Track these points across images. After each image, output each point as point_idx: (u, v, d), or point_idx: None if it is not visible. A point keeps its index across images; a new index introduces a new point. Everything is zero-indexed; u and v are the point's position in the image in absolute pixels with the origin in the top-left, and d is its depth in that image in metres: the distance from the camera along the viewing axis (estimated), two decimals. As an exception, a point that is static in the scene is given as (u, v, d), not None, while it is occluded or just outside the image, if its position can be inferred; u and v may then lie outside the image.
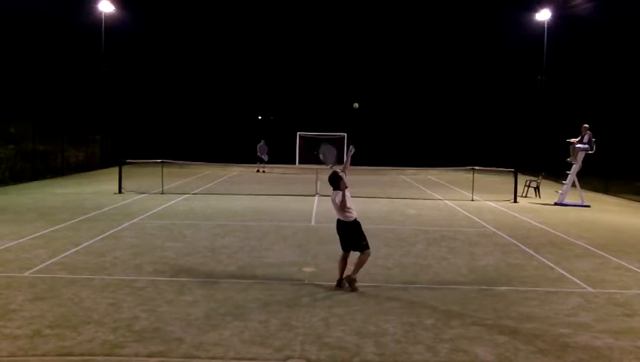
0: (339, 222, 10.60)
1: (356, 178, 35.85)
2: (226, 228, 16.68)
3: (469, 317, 9.10)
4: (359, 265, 10.52)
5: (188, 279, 10.98)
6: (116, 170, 25.31)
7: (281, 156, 46.08)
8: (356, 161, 46.21)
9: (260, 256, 13.07)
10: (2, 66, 30.15)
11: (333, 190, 10.57)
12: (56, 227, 16.04)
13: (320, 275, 11.47)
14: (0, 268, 11.48)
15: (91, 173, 34.98)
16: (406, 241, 15.22)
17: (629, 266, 12.91)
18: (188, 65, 52.07)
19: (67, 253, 12.89)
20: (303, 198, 24.04)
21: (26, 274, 11.08)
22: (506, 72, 48.76)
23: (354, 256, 10.61)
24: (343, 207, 10.42)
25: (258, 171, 39.06)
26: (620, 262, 13.30)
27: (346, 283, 10.46)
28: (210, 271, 11.64)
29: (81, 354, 7.32)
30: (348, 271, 10.57)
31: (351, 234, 10.51)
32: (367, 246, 10.49)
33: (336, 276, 10.65)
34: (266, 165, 39.32)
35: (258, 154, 39.60)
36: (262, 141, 40.04)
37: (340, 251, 10.82)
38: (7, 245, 13.49)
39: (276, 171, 39.52)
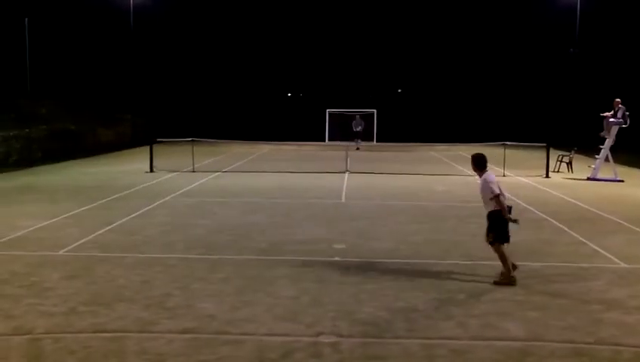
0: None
1: (386, 154, 35.74)
2: (256, 206, 16.75)
3: (499, 292, 9.05)
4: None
5: (219, 256, 11.07)
6: (147, 148, 25.50)
7: (311, 133, 46.03)
8: (385, 137, 46.06)
9: (290, 233, 13.12)
10: (34, 47, 30.47)
11: (485, 171, 9.67)
12: (88, 206, 16.24)
13: (350, 252, 11.48)
14: (35, 246, 11.68)
15: (122, 152, 35.27)
16: (435, 218, 15.16)
17: (664, 241, 12.71)
18: (218, 42, 52.03)
19: (100, 231, 13.05)
20: (333, 175, 24.02)
21: (60, 252, 11.25)
22: (538, 44, 48.03)
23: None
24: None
25: (358, 149, 38.75)
26: (653, 237, 13.10)
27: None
28: (240, 248, 11.72)
29: (115, 331, 7.44)
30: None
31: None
32: (491, 242, 9.72)
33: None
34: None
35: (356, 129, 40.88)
36: (357, 116, 41.33)
37: None
38: (40, 224, 13.69)
39: (305, 148, 39.49)
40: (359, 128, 41.46)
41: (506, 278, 9.51)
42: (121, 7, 40.89)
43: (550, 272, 10.28)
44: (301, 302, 8.53)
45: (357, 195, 18.83)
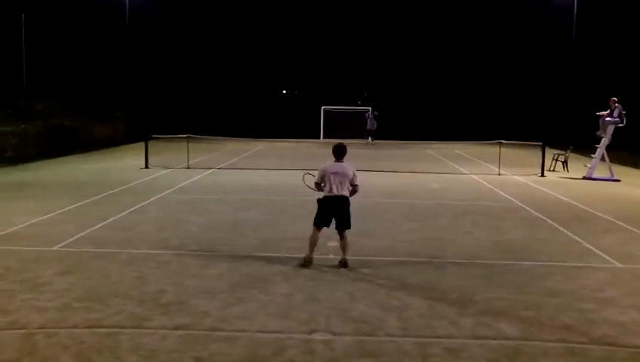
0: (341, 197, 10.33)
1: (381, 152, 35.74)
2: (250, 203, 16.75)
3: (493, 291, 9.07)
4: (348, 246, 10.36)
5: (213, 253, 11.07)
6: (142, 145, 25.45)
7: (306, 131, 46.01)
8: (381, 135, 46.18)
9: (284, 230, 13.13)
10: (30, 44, 30.39)
11: (339, 160, 10.57)
12: (83, 202, 16.22)
13: (344, 249, 11.47)
14: (29, 242, 11.67)
15: (117, 148, 35.18)
16: (430, 215, 15.17)
17: (658, 241, 12.73)
18: (213, 39, 51.96)
19: (94, 227, 13.04)
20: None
21: (54, 248, 11.25)
22: (535, 43, 48.04)
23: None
24: (354, 180, 10.49)
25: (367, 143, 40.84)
26: (648, 236, 13.13)
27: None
28: (234, 245, 11.72)
29: (109, 327, 7.44)
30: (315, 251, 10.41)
31: (345, 211, 10.36)
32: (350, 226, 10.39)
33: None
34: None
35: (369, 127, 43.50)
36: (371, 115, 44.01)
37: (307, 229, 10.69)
38: (35, 220, 13.67)
39: (301, 145, 39.48)
40: (373, 126, 43.92)
41: (305, 260, 10.25)
42: (117, 4, 40.82)
43: (544, 271, 10.30)
44: (295, 300, 8.53)
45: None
